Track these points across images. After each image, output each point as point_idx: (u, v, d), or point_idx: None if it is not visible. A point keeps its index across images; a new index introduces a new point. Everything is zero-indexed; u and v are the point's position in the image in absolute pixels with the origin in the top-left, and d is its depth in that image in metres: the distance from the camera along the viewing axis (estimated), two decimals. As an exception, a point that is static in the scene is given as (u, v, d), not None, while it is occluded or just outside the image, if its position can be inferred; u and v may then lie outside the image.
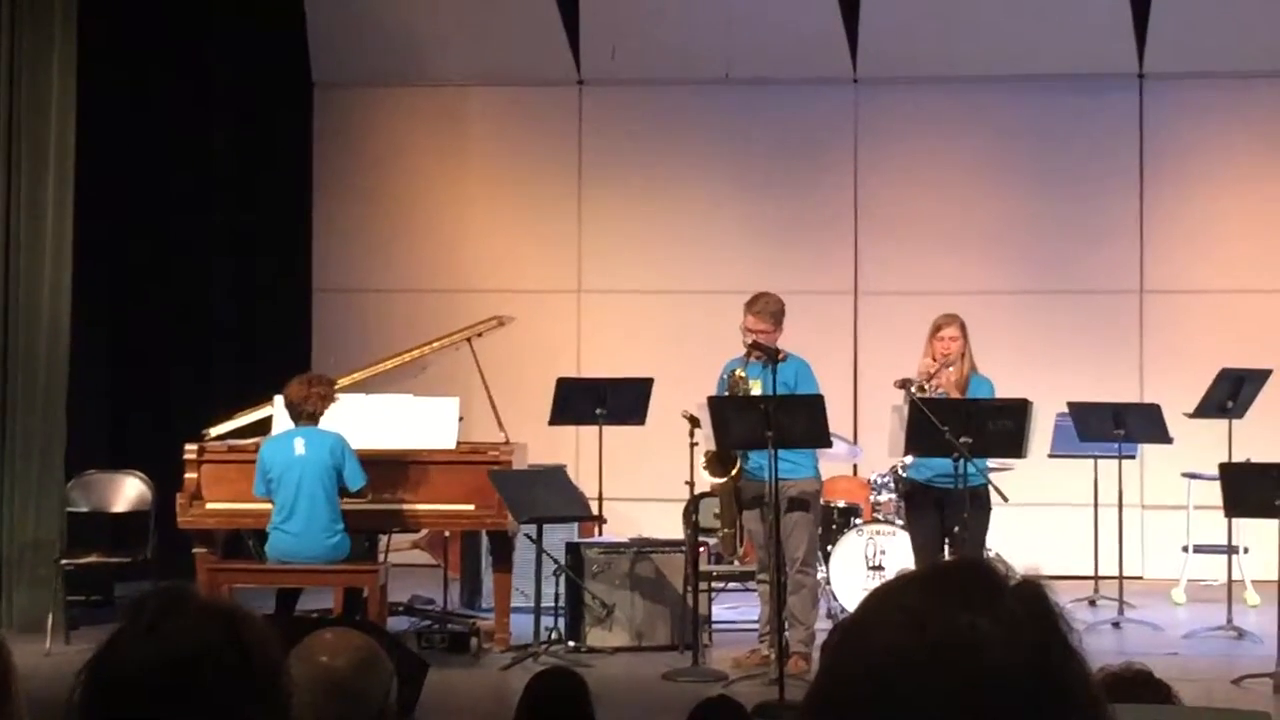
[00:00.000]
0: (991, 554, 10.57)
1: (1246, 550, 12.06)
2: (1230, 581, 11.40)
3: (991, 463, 10.19)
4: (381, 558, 11.01)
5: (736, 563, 10.62)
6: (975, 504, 9.79)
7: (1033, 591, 1.67)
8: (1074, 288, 13.95)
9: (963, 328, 10.20)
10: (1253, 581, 12.28)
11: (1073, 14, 13.74)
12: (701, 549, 10.62)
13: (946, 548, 9.91)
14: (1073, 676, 1.64)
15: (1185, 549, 12.71)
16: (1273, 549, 12.41)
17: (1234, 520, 10.96)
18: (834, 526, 11.55)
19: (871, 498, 11.81)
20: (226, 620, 2.19)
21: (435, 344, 11.59)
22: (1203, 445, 11.81)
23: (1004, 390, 10.15)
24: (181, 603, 2.23)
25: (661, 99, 14.47)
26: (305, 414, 10.32)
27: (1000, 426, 9.69)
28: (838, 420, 10.52)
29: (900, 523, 11.24)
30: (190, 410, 12.17)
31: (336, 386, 10.66)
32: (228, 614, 2.21)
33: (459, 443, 10.96)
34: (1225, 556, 11.48)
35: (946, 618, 1.62)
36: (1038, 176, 14.08)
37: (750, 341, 9.94)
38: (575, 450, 12.80)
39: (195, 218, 14.09)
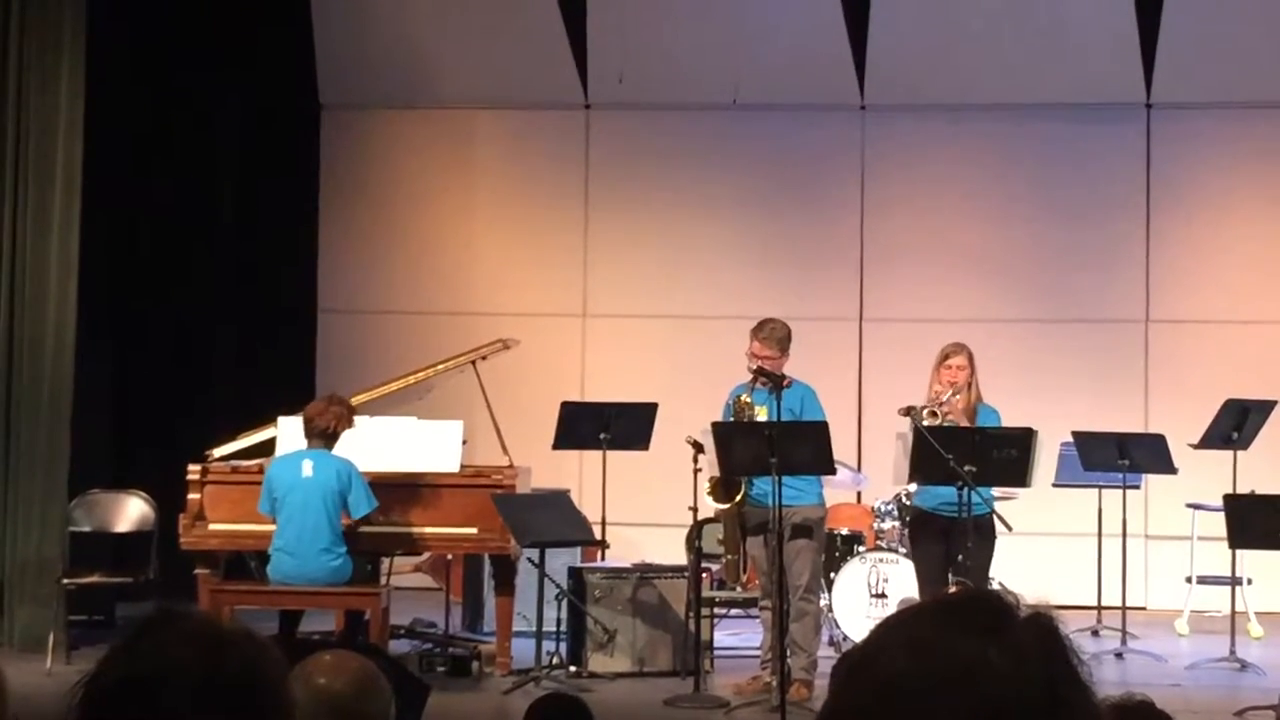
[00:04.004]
0: (995, 584, 10.55)
1: (1250, 582, 12.04)
2: (1234, 613, 11.38)
3: (995, 492, 10.19)
4: (383, 580, 10.99)
5: (739, 589, 10.61)
6: (980, 533, 9.77)
7: (1043, 623, 1.66)
8: (1079, 317, 13.95)
9: (970, 357, 10.19)
10: (1256, 613, 12.26)
11: (1081, 43, 13.75)
12: (704, 575, 10.61)
13: (951, 576, 9.88)
14: (1080, 709, 1.64)
15: (1189, 580, 12.69)
16: (1277, 581, 12.44)
17: (1238, 552, 10.94)
18: (837, 554, 11.53)
19: (875, 525, 11.79)
20: (206, 640, 2.18)
21: (440, 366, 11.59)
22: (1207, 476, 11.80)
23: (1008, 419, 10.14)
24: (163, 622, 2.23)
25: (668, 123, 14.49)
26: (318, 431, 10.28)
27: (1005, 455, 9.68)
28: (842, 447, 10.50)
29: (904, 550, 11.22)
30: (194, 431, 12.15)
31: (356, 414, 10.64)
32: (210, 634, 2.20)
33: (462, 466, 10.95)
34: (1229, 588, 11.47)
35: (956, 648, 1.61)
36: (1044, 205, 14.08)
37: (755, 367, 9.93)
38: (579, 474, 12.78)
39: (201, 237, 14.10)
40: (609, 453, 11.60)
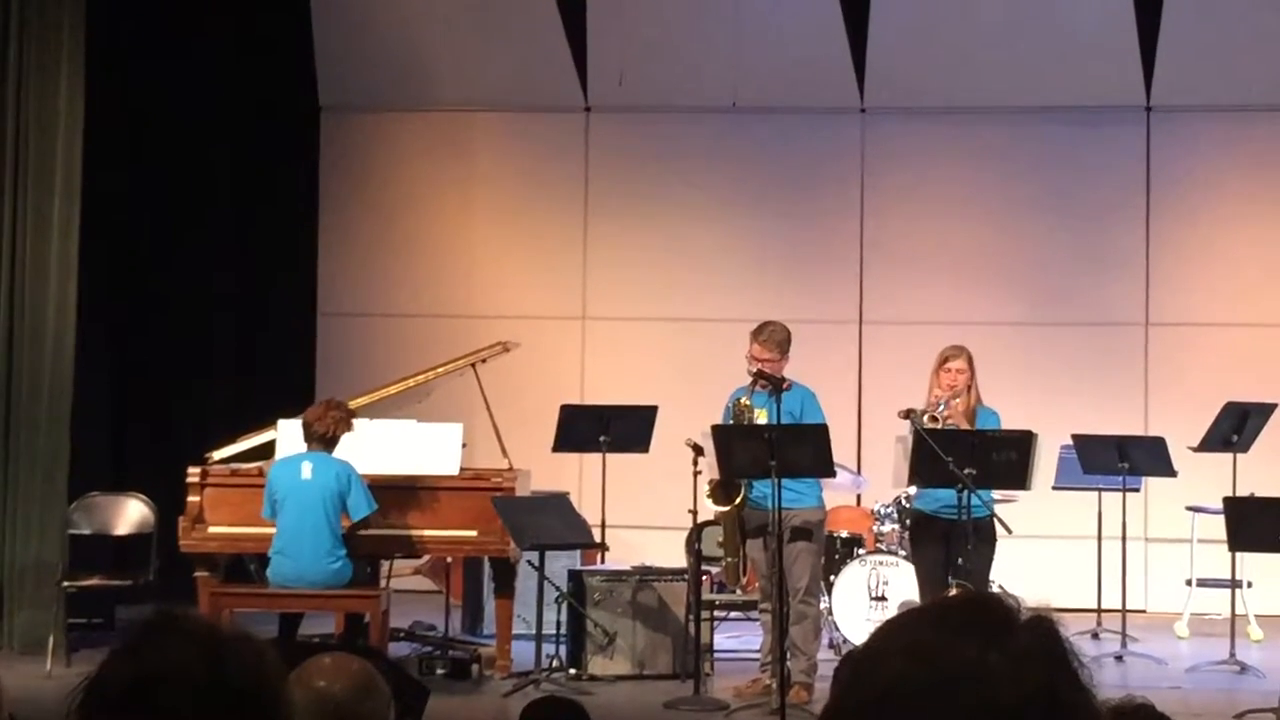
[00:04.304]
0: (995, 587, 10.54)
1: (1250, 584, 12.03)
2: (1234, 616, 11.37)
3: (995, 494, 10.18)
4: (383, 583, 11.00)
5: (739, 592, 10.60)
6: (980, 536, 9.76)
7: (1043, 626, 1.66)
8: (1079, 320, 13.94)
9: (969, 360, 10.18)
10: (1256, 616, 12.25)
11: (1080, 46, 13.75)
12: (704, 578, 10.60)
13: (950, 580, 9.86)
14: (1081, 712, 1.64)
15: (1189, 583, 12.68)
16: (1277, 583, 12.43)
17: (1238, 554, 10.94)
18: (837, 556, 11.53)
19: (875, 528, 11.78)
20: (206, 642, 2.19)
21: (439, 369, 11.59)
22: (1207, 479, 11.80)
23: (1008, 422, 10.13)
24: (165, 624, 2.23)
25: (668, 126, 14.48)
26: (317, 436, 10.30)
27: (1004, 458, 9.68)
28: (841, 450, 10.50)
29: (903, 553, 11.21)
30: (193, 433, 12.16)
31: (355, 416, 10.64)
32: (210, 636, 2.21)
33: (462, 469, 10.95)
34: (1229, 590, 11.46)
35: (957, 651, 1.61)
36: (1044, 208, 14.07)
37: (755, 370, 9.93)
38: (578, 477, 12.78)
39: (200, 240, 14.10)
40: (609, 455, 11.61)
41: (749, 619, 11.15)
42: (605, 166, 14.57)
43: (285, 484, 10.25)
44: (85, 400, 11.91)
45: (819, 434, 9.64)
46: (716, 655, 10.89)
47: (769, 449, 9.37)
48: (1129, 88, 13.85)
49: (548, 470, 12.03)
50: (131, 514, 11.55)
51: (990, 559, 10.02)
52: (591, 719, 5.44)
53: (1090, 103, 13.92)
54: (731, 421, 10.00)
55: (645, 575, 10.95)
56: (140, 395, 13.84)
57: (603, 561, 11.54)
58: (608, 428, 11.54)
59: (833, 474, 9.88)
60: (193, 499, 10.78)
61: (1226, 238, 13.91)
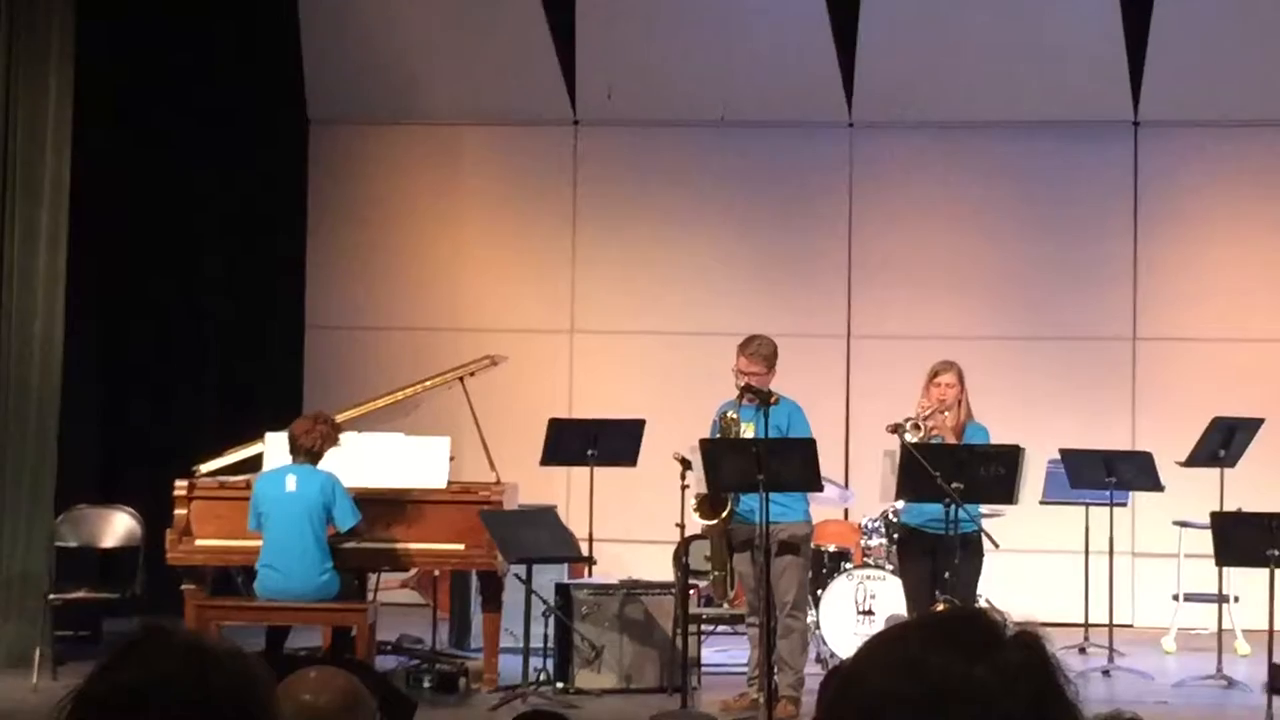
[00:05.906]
0: (982, 601, 10.54)
1: (1237, 599, 12.04)
2: (1220, 630, 11.38)
3: (983, 509, 10.18)
4: (370, 596, 10.97)
5: (726, 606, 10.59)
6: (967, 550, 9.77)
7: (1030, 641, 1.67)
8: (1067, 334, 13.96)
9: (959, 375, 10.19)
10: (1243, 631, 12.24)
11: (1068, 61, 13.77)
12: (691, 591, 10.59)
13: (938, 594, 9.86)
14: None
15: (1176, 597, 12.68)
16: (1263, 598, 12.43)
17: (1225, 569, 10.94)
18: (824, 571, 11.52)
19: (862, 542, 11.78)
20: (192, 655, 2.19)
21: (427, 383, 11.58)
22: (1194, 494, 11.81)
23: (996, 436, 10.14)
24: (152, 638, 2.23)
25: (657, 140, 14.49)
26: (304, 450, 10.28)
27: (992, 472, 9.68)
28: (829, 464, 10.51)
29: (890, 567, 11.21)
30: (181, 446, 12.13)
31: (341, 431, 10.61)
32: (197, 650, 2.21)
33: (450, 482, 10.93)
34: (1216, 605, 11.47)
35: (944, 666, 1.61)
36: (1032, 222, 14.09)
37: (742, 384, 9.93)
38: (566, 491, 12.77)
39: (189, 252, 14.07)
40: (596, 469, 11.60)
41: (736, 633, 11.14)
42: (594, 180, 14.57)
43: (270, 497, 10.23)
44: (72, 412, 11.90)
45: (806, 448, 9.64)
46: (704, 669, 10.88)
47: (756, 463, 9.37)
48: (1117, 102, 13.87)
49: (535, 483, 12.02)
50: (118, 527, 11.53)
51: (978, 573, 10.02)
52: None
53: (1078, 117, 13.94)
54: (719, 435, 9.99)
55: (632, 589, 10.94)
56: (128, 407, 13.81)
57: (590, 575, 11.52)
58: (595, 441, 11.54)
59: (820, 488, 9.87)
60: (180, 512, 10.75)
61: (1215, 252, 13.93)
